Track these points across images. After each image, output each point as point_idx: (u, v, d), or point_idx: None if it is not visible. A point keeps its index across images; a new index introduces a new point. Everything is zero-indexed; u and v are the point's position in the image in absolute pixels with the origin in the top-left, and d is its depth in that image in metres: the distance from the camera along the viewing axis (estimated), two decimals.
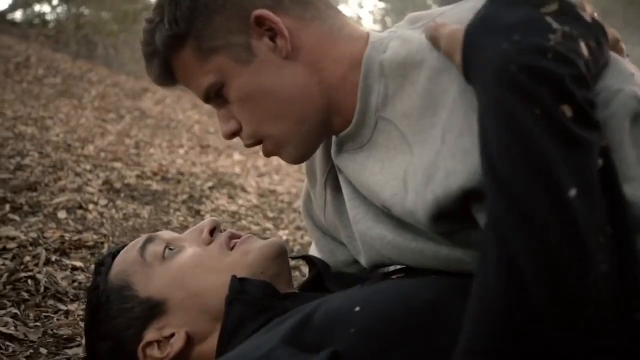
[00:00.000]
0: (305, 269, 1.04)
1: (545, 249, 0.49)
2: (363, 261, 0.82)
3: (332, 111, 0.74)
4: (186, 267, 0.81)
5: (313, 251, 1.00)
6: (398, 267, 0.83)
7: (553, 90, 0.51)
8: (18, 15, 8.93)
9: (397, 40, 0.69)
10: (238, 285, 0.76)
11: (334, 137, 0.79)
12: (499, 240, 0.51)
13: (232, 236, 0.85)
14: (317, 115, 0.74)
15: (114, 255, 0.87)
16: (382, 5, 13.07)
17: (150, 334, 0.80)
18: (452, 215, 0.62)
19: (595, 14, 0.61)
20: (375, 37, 0.73)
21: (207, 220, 0.87)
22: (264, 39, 0.71)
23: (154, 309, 0.80)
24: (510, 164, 0.51)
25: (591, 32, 0.57)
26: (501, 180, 0.52)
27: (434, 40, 0.64)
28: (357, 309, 0.63)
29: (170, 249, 0.83)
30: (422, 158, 0.64)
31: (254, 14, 0.70)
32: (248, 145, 0.77)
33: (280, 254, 0.83)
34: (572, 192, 0.50)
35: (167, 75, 0.76)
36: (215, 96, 0.75)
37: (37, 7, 9.01)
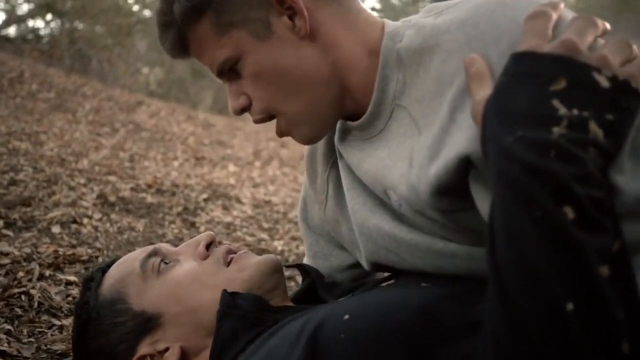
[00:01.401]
0: (301, 279, 1.04)
1: None
2: (362, 255, 0.82)
3: (346, 94, 0.75)
4: (182, 282, 0.80)
5: (306, 260, 1.00)
6: (387, 275, 0.83)
7: (555, 192, 0.49)
8: (12, 31, 8.96)
9: (413, 29, 0.69)
10: (229, 300, 0.76)
11: (338, 125, 0.79)
12: (496, 344, 0.50)
13: (229, 251, 0.84)
14: (330, 97, 0.74)
15: (103, 270, 0.86)
16: (375, 15, 13.15)
17: (143, 348, 0.79)
18: (452, 190, 0.63)
19: (631, 55, 0.56)
20: (391, 27, 0.73)
21: (204, 235, 0.86)
22: (283, 17, 0.71)
23: (148, 323, 0.80)
24: (508, 270, 0.50)
25: (608, 102, 0.53)
26: (501, 283, 0.50)
27: (467, 84, 0.62)
28: (347, 317, 0.63)
29: (166, 262, 0.83)
30: (427, 136, 0.65)
31: None
32: (257, 121, 0.77)
33: (276, 269, 0.83)
34: (569, 307, 0.47)
35: (181, 48, 0.75)
36: (228, 70, 0.75)
37: (30, 23, 9.05)
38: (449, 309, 0.62)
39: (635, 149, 0.55)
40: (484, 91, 0.58)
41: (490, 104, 0.56)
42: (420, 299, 0.64)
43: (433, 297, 0.65)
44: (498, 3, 0.64)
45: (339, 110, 0.76)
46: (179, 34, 0.74)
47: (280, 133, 0.78)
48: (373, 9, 14.05)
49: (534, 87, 0.54)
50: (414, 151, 0.67)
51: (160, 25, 0.75)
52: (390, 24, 0.74)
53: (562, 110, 0.52)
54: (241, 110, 0.77)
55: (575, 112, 0.52)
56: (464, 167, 0.61)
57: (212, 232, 0.87)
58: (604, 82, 0.54)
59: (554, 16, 0.60)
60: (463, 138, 0.60)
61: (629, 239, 0.52)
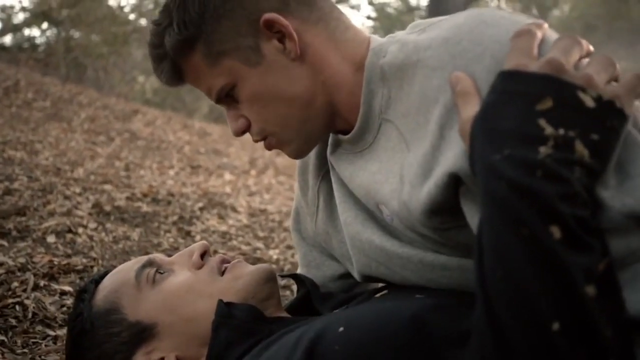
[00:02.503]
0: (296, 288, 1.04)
1: None
2: (354, 267, 0.83)
3: (335, 111, 0.76)
4: (177, 292, 0.81)
5: (299, 270, 1.00)
6: (381, 285, 0.83)
7: (541, 211, 0.50)
8: (7, 39, 8.95)
9: (396, 45, 0.71)
10: (225, 310, 0.76)
11: (330, 138, 0.81)
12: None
13: (223, 261, 0.85)
14: (320, 115, 0.76)
15: (96, 281, 0.86)
16: (370, 23, 13.23)
17: (138, 358, 0.79)
18: (443, 209, 0.63)
19: (613, 82, 0.56)
20: (376, 43, 0.74)
21: (198, 244, 0.87)
22: (273, 41, 0.72)
23: (143, 333, 0.80)
24: (495, 288, 0.50)
25: (593, 122, 0.53)
26: (488, 300, 0.51)
27: (454, 102, 0.62)
28: (341, 329, 0.64)
29: (160, 272, 0.83)
30: (416, 152, 0.65)
31: (264, 17, 0.71)
32: (257, 141, 0.79)
33: (270, 278, 0.83)
34: (555, 326, 0.48)
35: (176, 77, 0.77)
36: (225, 97, 0.76)
37: (26, 32, 9.04)
38: (442, 320, 0.63)
39: (619, 165, 0.56)
40: (471, 109, 0.59)
41: (478, 122, 0.56)
42: (414, 310, 0.64)
43: (426, 308, 0.65)
44: (479, 21, 0.65)
45: (327, 127, 0.78)
46: (172, 65, 0.76)
47: (270, 147, 0.80)
48: (369, 17, 14.14)
49: (521, 106, 0.55)
50: (404, 168, 0.67)
51: (154, 57, 0.77)
52: (375, 40, 0.75)
53: (549, 130, 0.53)
54: (242, 132, 0.79)
55: (561, 131, 0.53)
56: (454, 184, 0.61)
57: (205, 242, 0.88)
58: (589, 102, 0.54)
59: (539, 35, 0.61)
60: (452, 155, 0.61)
61: (614, 253, 0.53)
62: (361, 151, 0.75)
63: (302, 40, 0.73)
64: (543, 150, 0.52)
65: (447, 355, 0.59)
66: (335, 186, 0.83)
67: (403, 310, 0.65)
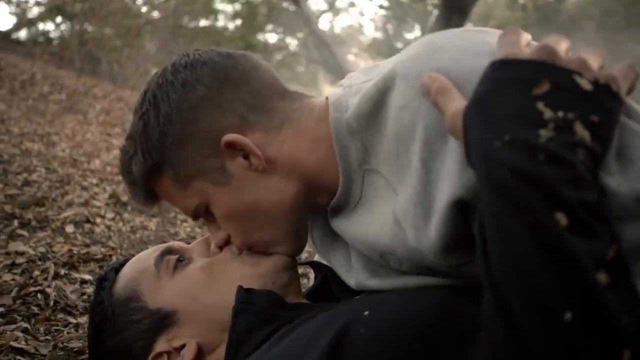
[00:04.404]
0: (313, 277, 1.04)
1: None
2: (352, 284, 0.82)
3: (318, 194, 0.76)
4: (197, 279, 0.81)
5: (316, 256, 1.00)
6: None
7: (546, 197, 0.48)
8: (23, 34, 9.04)
9: (356, 97, 0.69)
10: (244, 296, 0.77)
11: (329, 209, 0.79)
12: (494, 353, 0.49)
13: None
14: (301, 208, 0.77)
15: (117, 269, 0.87)
16: (383, 12, 13.12)
17: (160, 345, 0.80)
18: (459, 244, 0.62)
19: (602, 68, 0.56)
20: (333, 98, 0.73)
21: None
22: (238, 159, 0.73)
23: (164, 320, 0.80)
24: (504, 280, 0.49)
25: (591, 103, 0.53)
26: (497, 292, 0.49)
27: (433, 102, 0.61)
28: (366, 313, 0.63)
29: (180, 260, 0.84)
30: (406, 193, 0.64)
31: (224, 140, 0.71)
32: (241, 252, 0.81)
33: (291, 265, 0.84)
34: (567, 316, 0.46)
35: (152, 199, 0.80)
36: (203, 214, 0.78)
37: (41, 26, 9.11)
38: (468, 306, 0.62)
39: (619, 150, 0.55)
40: (456, 102, 0.57)
41: (472, 111, 0.55)
42: (440, 294, 0.64)
43: (452, 292, 0.65)
44: (433, 48, 0.64)
45: (312, 211, 0.79)
46: (145, 189, 0.78)
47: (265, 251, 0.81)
48: (381, 6, 14.03)
49: (518, 91, 0.53)
50: (396, 212, 0.66)
51: (127, 183, 0.79)
52: (332, 96, 0.74)
53: (548, 113, 0.52)
54: (225, 244, 0.81)
55: (560, 114, 0.52)
56: (460, 212, 0.60)
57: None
58: (586, 85, 0.53)
59: (526, 35, 0.60)
60: (446, 187, 0.59)
61: (629, 242, 0.51)
62: (355, 207, 0.74)
63: (268, 150, 0.73)
64: (544, 133, 0.51)
65: (476, 339, 0.58)
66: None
67: (429, 297, 0.64)
